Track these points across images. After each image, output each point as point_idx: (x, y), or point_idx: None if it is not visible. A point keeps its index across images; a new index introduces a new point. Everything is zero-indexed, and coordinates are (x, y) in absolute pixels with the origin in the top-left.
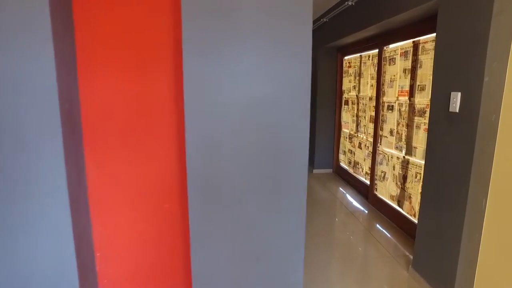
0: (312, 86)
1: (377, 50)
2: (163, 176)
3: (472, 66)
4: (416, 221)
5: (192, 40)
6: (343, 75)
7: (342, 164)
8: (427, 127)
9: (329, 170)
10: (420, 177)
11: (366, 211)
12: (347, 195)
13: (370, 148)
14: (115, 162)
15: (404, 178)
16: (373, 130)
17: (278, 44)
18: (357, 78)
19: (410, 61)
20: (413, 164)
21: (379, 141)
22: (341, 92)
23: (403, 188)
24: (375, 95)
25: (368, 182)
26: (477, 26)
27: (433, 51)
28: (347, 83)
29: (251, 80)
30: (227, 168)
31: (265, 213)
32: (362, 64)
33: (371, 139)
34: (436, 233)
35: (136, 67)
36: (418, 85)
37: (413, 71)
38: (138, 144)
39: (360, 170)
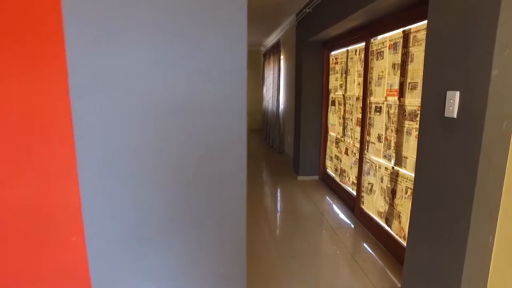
0: (297, 85)
1: (363, 43)
2: (63, 199)
3: (474, 56)
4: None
5: (75, 17)
6: (330, 72)
7: (329, 171)
8: (417, 134)
9: (315, 177)
10: (411, 193)
11: (352, 227)
12: (333, 206)
13: (357, 155)
14: None
15: (393, 192)
16: (359, 134)
17: (198, 27)
18: (344, 75)
19: (400, 54)
20: (403, 177)
21: (366, 147)
22: (327, 92)
23: (391, 205)
24: (362, 94)
25: (355, 193)
26: (482, 1)
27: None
28: (334, 81)
29: (164, 74)
30: (138, 192)
31: (193, 255)
32: (348, 60)
33: (358, 145)
34: (429, 268)
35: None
36: (409, 83)
37: (403, 66)
38: (27, 157)
39: (347, 179)
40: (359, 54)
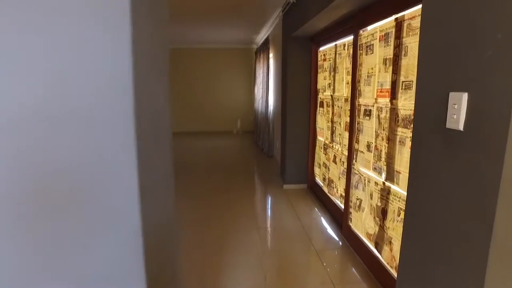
0: (283, 84)
1: (352, 36)
2: None
3: (490, 42)
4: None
5: None
6: (318, 70)
7: (318, 180)
8: None
9: (303, 186)
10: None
11: (340, 244)
12: (320, 220)
13: (346, 165)
14: None
15: (384, 212)
16: (348, 141)
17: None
18: (332, 74)
19: (391, 47)
20: (395, 196)
21: (354, 156)
22: (315, 92)
23: (382, 227)
24: (350, 96)
25: (343, 207)
26: None
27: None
28: (322, 80)
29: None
30: None
31: None
32: (337, 56)
33: (347, 153)
34: None
35: None
36: (403, 82)
37: (396, 62)
38: None
39: (335, 190)
40: (348, 49)
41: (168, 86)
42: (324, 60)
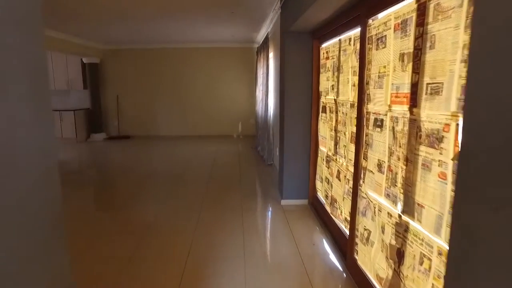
0: (281, 86)
1: (359, 28)
2: None
3: None
4: None
5: None
6: (320, 70)
7: (320, 196)
8: (444, 171)
9: (303, 202)
10: (431, 267)
11: (342, 279)
12: (322, 244)
13: (351, 183)
14: None
15: (400, 255)
16: (354, 156)
17: None
18: (336, 74)
19: (412, 37)
20: (416, 236)
21: (361, 176)
22: (317, 95)
23: (396, 272)
24: (357, 101)
25: (347, 233)
26: None
27: (462, 9)
28: (325, 81)
29: None
30: None
31: None
32: (341, 53)
33: (353, 169)
34: None
35: None
36: (428, 84)
37: (418, 57)
38: None
39: (339, 211)
40: (354, 44)
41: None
42: (327, 58)
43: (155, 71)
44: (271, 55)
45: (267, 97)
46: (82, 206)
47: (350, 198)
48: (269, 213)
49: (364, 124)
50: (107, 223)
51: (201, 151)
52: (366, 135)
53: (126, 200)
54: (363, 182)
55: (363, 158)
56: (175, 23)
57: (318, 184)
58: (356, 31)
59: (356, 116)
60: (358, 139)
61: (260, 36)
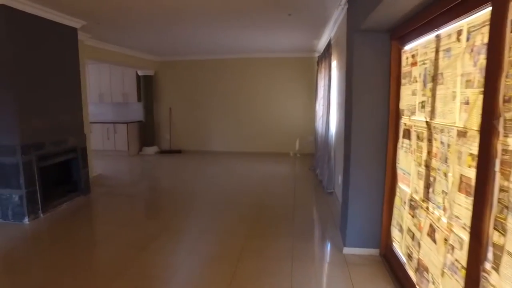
0: (346, 100)
1: (486, 9)
2: None
3: None
4: None
5: None
6: (402, 80)
7: (396, 248)
8: None
9: (374, 252)
10: None
11: None
12: None
13: (461, 255)
14: None
15: None
16: (469, 213)
17: None
18: (430, 85)
19: None
20: None
21: (490, 256)
22: (396, 113)
23: None
24: (475, 126)
25: None
26: None
27: None
28: (409, 96)
29: None
30: None
31: None
32: (441, 56)
33: (464, 235)
34: None
35: None
36: None
37: None
38: None
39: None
40: (469, 38)
41: None
42: (413, 64)
43: (209, 84)
44: (334, 64)
45: (328, 112)
46: (128, 219)
47: (457, 278)
48: (327, 264)
49: (498, 170)
50: (143, 239)
51: (253, 170)
52: (504, 191)
53: (165, 223)
54: (495, 269)
55: (495, 228)
56: (229, 31)
57: (395, 233)
58: (475, 15)
59: (473, 151)
60: (481, 193)
61: (322, 44)
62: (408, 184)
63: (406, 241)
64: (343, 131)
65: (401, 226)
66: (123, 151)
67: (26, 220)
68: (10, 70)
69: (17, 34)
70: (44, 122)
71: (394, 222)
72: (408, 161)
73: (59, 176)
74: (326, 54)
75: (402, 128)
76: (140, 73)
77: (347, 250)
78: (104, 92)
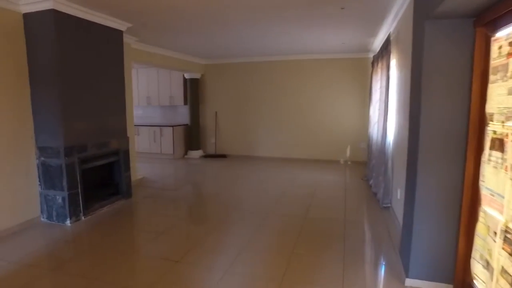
0: (412, 103)
1: None
2: None
3: None
4: None
5: None
6: (489, 77)
7: (478, 286)
8: None
9: (447, 287)
10: None
11: None
12: None
13: None
14: None
15: None
16: None
17: None
18: None
19: None
20: None
21: None
22: (481, 119)
23: None
24: None
25: None
26: None
27: None
28: (503, 96)
29: None
30: None
31: None
32: None
33: None
34: None
35: None
36: None
37: None
38: None
39: None
40: None
41: None
42: (510, 55)
43: (255, 87)
44: (393, 63)
45: (385, 117)
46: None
47: None
48: None
49: None
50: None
51: (300, 178)
52: None
53: (204, 233)
54: None
55: None
56: (277, 28)
57: (478, 269)
58: None
59: None
60: None
61: (378, 42)
62: (501, 210)
63: (497, 281)
64: (405, 139)
65: (487, 263)
66: (168, 154)
67: (68, 222)
68: (56, 72)
69: (64, 37)
70: (87, 124)
71: (475, 254)
72: (500, 180)
73: (101, 178)
74: (384, 52)
75: (489, 137)
76: (186, 76)
77: (410, 282)
78: (151, 95)
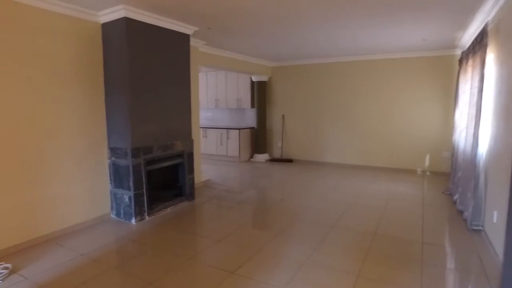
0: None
1: None
2: None
3: None
4: None
5: None
6: None
7: None
8: None
9: None
10: None
11: None
12: None
13: None
14: None
15: None
16: None
17: None
18: None
19: None
20: None
21: None
22: None
23: None
24: None
25: None
26: None
27: None
28: None
29: None
30: None
31: None
32: None
33: None
34: None
35: None
36: None
37: None
38: None
39: None
40: None
41: None
42: None
43: (323, 89)
44: (490, 58)
45: (477, 123)
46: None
47: None
48: None
49: None
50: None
51: (370, 188)
52: None
53: (263, 242)
54: None
55: None
56: (347, 26)
57: None
58: None
59: None
60: None
61: (468, 36)
62: None
63: None
64: (501, 147)
65: None
66: (234, 157)
67: (133, 221)
68: (127, 77)
69: (135, 44)
70: (154, 126)
71: None
72: None
73: (166, 180)
74: (477, 47)
75: None
76: (254, 78)
77: None
78: (220, 97)
